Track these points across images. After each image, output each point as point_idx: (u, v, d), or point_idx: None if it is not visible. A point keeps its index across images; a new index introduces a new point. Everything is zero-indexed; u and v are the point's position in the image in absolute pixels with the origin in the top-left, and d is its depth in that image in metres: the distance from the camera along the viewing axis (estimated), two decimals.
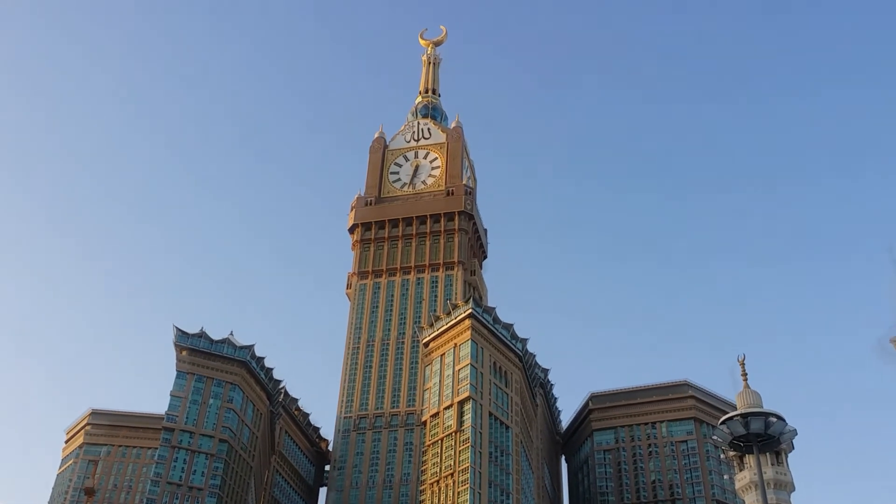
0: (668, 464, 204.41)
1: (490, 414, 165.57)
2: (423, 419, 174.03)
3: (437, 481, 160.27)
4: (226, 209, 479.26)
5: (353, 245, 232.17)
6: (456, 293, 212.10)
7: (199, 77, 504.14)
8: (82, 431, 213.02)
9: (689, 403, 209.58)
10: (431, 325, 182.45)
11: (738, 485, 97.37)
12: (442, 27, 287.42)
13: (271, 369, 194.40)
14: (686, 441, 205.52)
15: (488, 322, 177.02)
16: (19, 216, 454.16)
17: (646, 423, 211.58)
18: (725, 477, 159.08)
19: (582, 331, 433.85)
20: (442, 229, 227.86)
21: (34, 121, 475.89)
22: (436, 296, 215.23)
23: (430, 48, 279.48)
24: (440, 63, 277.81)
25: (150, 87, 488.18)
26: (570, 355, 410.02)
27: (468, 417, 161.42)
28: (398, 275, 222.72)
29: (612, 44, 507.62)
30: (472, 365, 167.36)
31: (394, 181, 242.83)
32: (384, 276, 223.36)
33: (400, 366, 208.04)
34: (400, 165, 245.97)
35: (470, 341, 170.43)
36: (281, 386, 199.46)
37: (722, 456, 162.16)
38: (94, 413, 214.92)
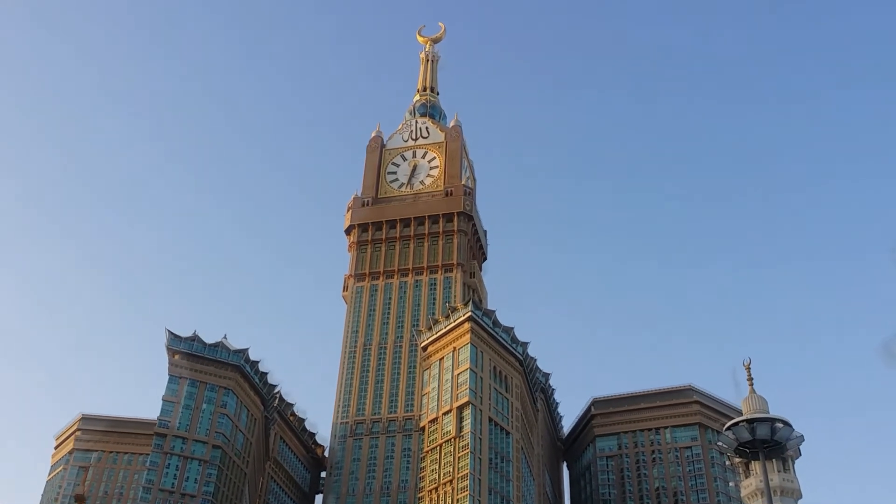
0: (673, 470, 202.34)
1: (490, 419, 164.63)
2: (422, 425, 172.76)
3: (436, 488, 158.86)
4: (219, 209, 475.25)
5: (350, 246, 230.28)
6: (455, 296, 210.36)
7: (192, 74, 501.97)
8: (72, 437, 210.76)
9: (693, 409, 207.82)
10: (430, 329, 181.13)
11: (743, 492, 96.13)
12: (440, 24, 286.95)
13: (266, 374, 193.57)
14: (690, 447, 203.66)
15: (488, 325, 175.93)
16: (9, 217, 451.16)
17: (649, 429, 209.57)
18: (731, 484, 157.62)
19: (584, 334, 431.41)
20: (440, 230, 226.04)
21: (28, 120, 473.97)
22: (434, 298, 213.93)
23: (428, 45, 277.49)
24: (439, 61, 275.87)
25: (144, 84, 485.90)
26: (572, 359, 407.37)
27: (468, 423, 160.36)
28: (396, 277, 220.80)
29: (614, 42, 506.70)
30: (471, 369, 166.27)
31: (391, 181, 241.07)
32: (381, 278, 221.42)
33: (398, 370, 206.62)
34: (398, 165, 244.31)
35: (469, 345, 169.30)
36: (276, 391, 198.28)
37: (727, 462, 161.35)
38: (85, 418, 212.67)
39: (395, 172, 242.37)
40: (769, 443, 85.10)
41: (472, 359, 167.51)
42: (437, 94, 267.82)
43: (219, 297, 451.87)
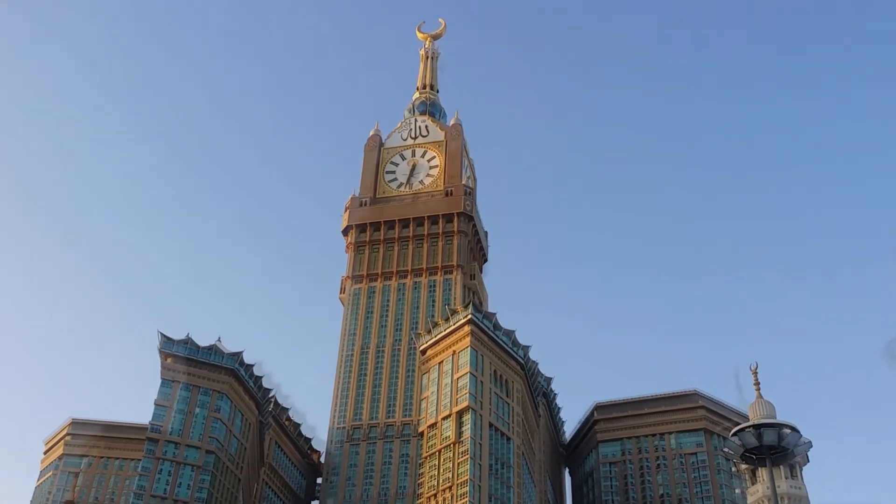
0: (677, 477, 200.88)
1: (490, 424, 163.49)
2: (421, 430, 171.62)
3: (435, 495, 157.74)
4: (214, 209, 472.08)
5: (348, 247, 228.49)
6: (455, 298, 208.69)
7: (188, 71, 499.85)
8: (62, 442, 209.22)
9: (698, 414, 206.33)
10: (429, 332, 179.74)
11: (750, 499, 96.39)
12: (440, 20, 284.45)
13: (261, 377, 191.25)
14: (696, 453, 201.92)
15: (489, 328, 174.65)
16: (5, 218, 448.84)
17: (653, 435, 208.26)
18: (737, 491, 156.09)
19: (586, 338, 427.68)
20: (440, 231, 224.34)
21: (25, 120, 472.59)
22: (434, 301, 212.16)
23: (428, 42, 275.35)
24: (438, 58, 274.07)
25: (140, 84, 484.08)
26: (575, 363, 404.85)
27: (467, 428, 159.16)
28: (394, 279, 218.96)
29: (615, 40, 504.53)
30: (471, 373, 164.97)
31: (390, 181, 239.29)
32: (379, 279, 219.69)
33: (396, 374, 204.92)
34: (396, 164, 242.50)
35: (469, 348, 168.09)
36: (271, 395, 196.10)
37: (733, 469, 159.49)
38: (75, 423, 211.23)
39: (393, 172, 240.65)
40: (776, 449, 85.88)
41: (473, 362, 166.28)
42: (437, 91, 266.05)
43: (213, 298, 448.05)
